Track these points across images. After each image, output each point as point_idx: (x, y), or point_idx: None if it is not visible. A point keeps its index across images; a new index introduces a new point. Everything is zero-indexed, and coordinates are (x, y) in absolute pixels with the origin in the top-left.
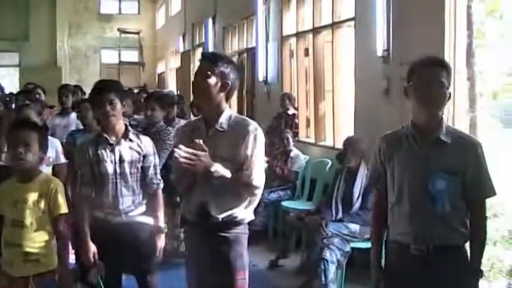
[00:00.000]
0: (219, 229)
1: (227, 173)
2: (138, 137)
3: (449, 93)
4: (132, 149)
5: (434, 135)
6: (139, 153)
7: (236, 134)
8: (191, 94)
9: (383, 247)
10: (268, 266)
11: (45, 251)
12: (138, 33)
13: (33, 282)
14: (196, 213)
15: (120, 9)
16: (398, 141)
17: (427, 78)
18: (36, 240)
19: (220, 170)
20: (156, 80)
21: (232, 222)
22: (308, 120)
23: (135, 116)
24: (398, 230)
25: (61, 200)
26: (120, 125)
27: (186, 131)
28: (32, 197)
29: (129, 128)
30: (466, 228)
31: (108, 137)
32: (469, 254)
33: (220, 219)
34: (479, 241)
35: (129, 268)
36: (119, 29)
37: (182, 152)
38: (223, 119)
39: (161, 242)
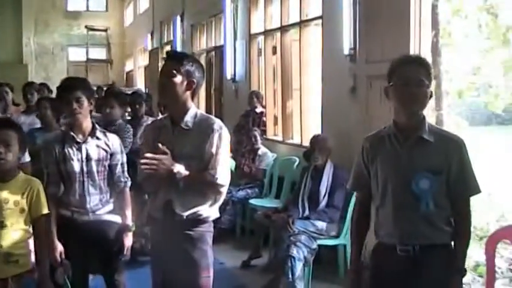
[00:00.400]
0: (184, 227)
1: (190, 173)
2: (106, 135)
3: (431, 92)
4: (99, 147)
5: (417, 135)
6: (106, 152)
7: (201, 132)
8: None
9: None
10: (241, 265)
11: (24, 251)
12: (105, 30)
13: (12, 283)
14: (161, 210)
15: (87, 6)
16: (381, 142)
17: (407, 77)
18: (16, 241)
19: (182, 171)
20: (125, 78)
21: (197, 220)
22: (276, 118)
23: (93, 114)
24: (383, 231)
25: (43, 200)
26: (87, 123)
27: (153, 129)
28: (13, 197)
29: (96, 126)
30: (451, 226)
31: (75, 135)
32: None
33: (184, 217)
34: (464, 239)
35: (96, 267)
36: (86, 26)
37: (144, 160)
38: (188, 118)
39: (129, 240)
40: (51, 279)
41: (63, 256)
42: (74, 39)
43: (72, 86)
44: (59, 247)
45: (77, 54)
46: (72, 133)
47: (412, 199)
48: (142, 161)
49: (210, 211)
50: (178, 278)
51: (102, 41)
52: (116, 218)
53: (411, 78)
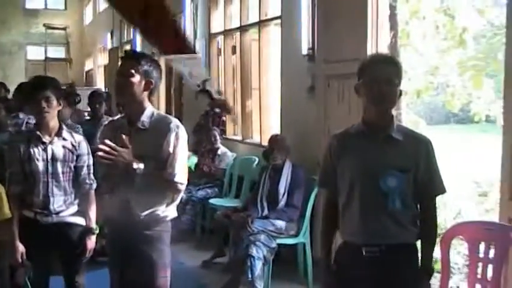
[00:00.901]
0: (141, 227)
1: (149, 171)
2: (73, 136)
3: (401, 91)
4: (65, 148)
5: (386, 133)
6: (72, 153)
7: (158, 132)
8: None
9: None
10: (201, 265)
11: None
12: (64, 29)
13: None
14: (118, 210)
15: (46, 4)
16: (349, 139)
17: (377, 75)
18: None
19: (142, 167)
20: (84, 77)
21: (155, 220)
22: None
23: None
24: (349, 230)
25: (5, 204)
26: (54, 122)
27: (110, 129)
28: None
29: (63, 126)
30: (417, 226)
31: (41, 135)
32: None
33: (142, 217)
34: (430, 239)
35: (58, 268)
36: (45, 25)
37: (103, 146)
38: (145, 117)
39: (91, 243)
40: (11, 280)
41: (24, 257)
42: (32, 38)
43: (41, 84)
44: (20, 248)
45: (35, 53)
46: (38, 133)
47: (379, 197)
48: (101, 146)
49: (167, 211)
50: (135, 278)
51: (61, 39)
52: (80, 220)
53: (381, 77)
